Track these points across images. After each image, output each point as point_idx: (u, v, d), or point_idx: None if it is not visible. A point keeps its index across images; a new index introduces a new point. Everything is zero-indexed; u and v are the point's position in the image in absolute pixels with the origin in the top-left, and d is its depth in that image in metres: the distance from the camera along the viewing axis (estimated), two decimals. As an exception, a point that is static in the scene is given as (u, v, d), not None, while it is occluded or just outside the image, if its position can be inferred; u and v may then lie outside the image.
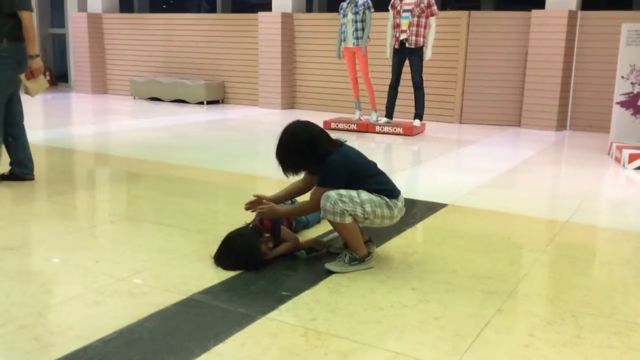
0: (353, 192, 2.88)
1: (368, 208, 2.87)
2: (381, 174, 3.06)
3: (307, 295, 2.62)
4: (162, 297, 2.55)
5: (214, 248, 3.02)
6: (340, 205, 2.83)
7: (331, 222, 2.94)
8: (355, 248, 2.95)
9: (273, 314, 2.42)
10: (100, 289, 2.63)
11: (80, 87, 12.44)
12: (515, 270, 3.08)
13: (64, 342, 2.16)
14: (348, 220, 2.87)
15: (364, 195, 2.89)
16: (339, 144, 3.04)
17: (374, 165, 3.08)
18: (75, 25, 12.24)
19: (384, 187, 2.98)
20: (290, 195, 3.28)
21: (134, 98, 11.55)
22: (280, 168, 3.01)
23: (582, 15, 8.27)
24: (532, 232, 3.81)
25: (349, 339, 2.23)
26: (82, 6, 12.56)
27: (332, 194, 2.85)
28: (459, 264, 3.09)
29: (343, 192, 2.87)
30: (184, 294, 2.58)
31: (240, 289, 2.68)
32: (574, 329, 2.38)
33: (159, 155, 6.00)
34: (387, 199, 2.94)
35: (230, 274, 2.84)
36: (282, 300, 2.55)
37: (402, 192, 3.09)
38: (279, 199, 3.25)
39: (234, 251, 2.95)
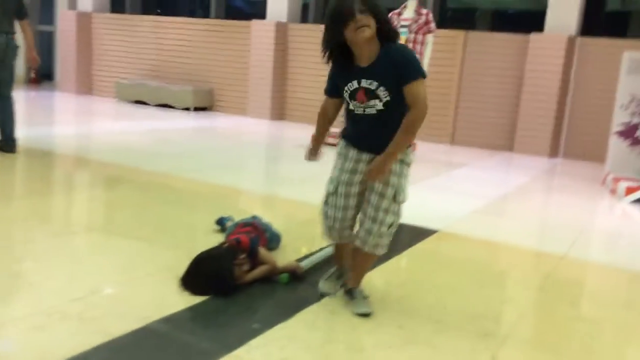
0: (402, 182, 2.44)
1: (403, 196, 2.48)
2: None
3: (280, 330, 2.34)
4: (116, 324, 2.25)
5: (183, 268, 2.73)
6: (393, 229, 2.48)
7: (365, 255, 2.55)
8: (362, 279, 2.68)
9: (240, 351, 2.13)
10: (48, 310, 2.33)
11: (65, 87, 12.10)
12: (510, 309, 2.82)
13: (-6, 375, 1.87)
14: None
15: (404, 178, 2.46)
16: None
17: None
18: (64, 23, 11.93)
19: None
20: (327, 130, 2.66)
21: (118, 100, 11.23)
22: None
23: (581, 42, 8.11)
24: (527, 266, 3.56)
25: (325, 386, 1.96)
26: (72, 4, 12.26)
27: (390, 219, 2.43)
28: (449, 299, 2.82)
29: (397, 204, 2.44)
30: (142, 322, 2.28)
31: (206, 319, 2.40)
32: (577, 384, 2.12)
33: (139, 161, 5.70)
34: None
35: (197, 299, 2.55)
36: (252, 334, 2.27)
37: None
38: (320, 142, 2.67)
39: (204, 274, 2.66)
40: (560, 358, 2.31)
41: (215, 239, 3.29)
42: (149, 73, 11.43)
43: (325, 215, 2.56)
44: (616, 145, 6.40)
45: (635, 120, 6.29)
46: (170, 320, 2.33)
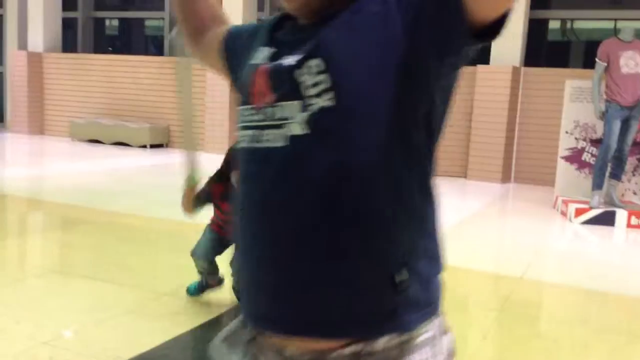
0: None
1: None
2: None
3: None
4: (89, 365, 2.26)
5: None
6: None
7: None
8: None
9: (215, 386, 2.16)
10: (18, 355, 2.31)
11: (17, 128, 11.88)
12: (474, 330, 2.92)
13: (-33, 423, 1.85)
14: None
15: None
16: None
17: None
18: (14, 64, 11.78)
19: None
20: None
21: (72, 140, 11.09)
22: None
23: (525, 72, 8.50)
24: (487, 289, 3.69)
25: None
26: (23, 44, 12.12)
27: None
28: (415, 324, 2.91)
29: None
30: (115, 362, 2.30)
31: (178, 355, 2.41)
32: (541, 399, 2.22)
33: (97, 202, 5.65)
34: None
35: (169, 336, 2.56)
36: (226, 368, 2.30)
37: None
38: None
39: None
40: (524, 375, 2.42)
41: (180, 274, 3.30)
42: (103, 111, 11.35)
43: None
44: (564, 169, 6.69)
45: (581, 145, 6.60)
46: (144, 359, 2.33)
